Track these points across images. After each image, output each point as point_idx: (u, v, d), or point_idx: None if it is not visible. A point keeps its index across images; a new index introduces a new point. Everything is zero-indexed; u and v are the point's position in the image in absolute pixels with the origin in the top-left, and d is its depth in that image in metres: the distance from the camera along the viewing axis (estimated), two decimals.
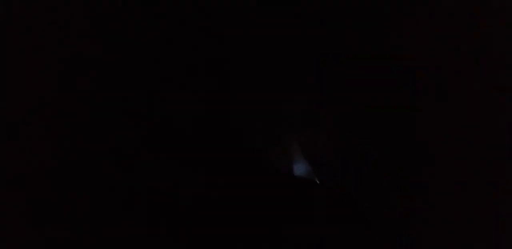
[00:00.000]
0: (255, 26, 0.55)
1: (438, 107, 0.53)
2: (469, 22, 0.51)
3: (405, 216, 0.53)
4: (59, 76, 0.52)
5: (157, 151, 0.52)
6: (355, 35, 0.54)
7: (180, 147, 0.53)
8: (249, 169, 0.54)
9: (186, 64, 0.54)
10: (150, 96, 0.53)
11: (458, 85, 0.52)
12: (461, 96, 0.52)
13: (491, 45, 0.51)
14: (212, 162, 0.53)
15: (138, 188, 0.51)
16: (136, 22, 0.53)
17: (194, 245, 0.51)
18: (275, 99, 0.58)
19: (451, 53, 0.52)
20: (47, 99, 0.51)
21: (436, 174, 0.52)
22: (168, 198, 0.51)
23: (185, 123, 0.53)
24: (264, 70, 0.56)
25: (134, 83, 0.53)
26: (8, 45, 0.51)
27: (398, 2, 0.53)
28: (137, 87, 0.53)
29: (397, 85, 0.54)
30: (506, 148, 0.50)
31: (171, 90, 0.54)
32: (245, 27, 0.55)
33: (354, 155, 0.57)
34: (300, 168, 0.58)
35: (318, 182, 0.57)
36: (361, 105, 0.56)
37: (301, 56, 0.56)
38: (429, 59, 0.53)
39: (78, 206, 0.50)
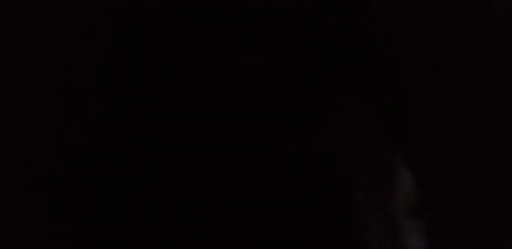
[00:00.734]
0: (255, 26, 0.55)
1: (438, 107, 0.53)
2: (469, 22, 0.52)
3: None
4: (59, 76, 0.52)
5: (158, 151, 0.52)
6: (355, 35, 0.54)
7: (180, 147, 0.53)
8: (249, 169, 0.54)
9: (186, 64, 0.54)
10: (151, 96, 0.53)
11: (458, 85, 0.52)
12: (461, 96, 0.52)
13: (491, 45, 0.51)
14: (212, 162, 0.53)
15: (138, 188, 0.51)
16: (136, 22, 0.53)
17: (194, 245, 0.51)
18: (275, 99, 0.58)
19: (451, 53, 0.52)
20: (47, 99, 0.51)
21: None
22: (168, 198, 0.51)
23: (185, 123, 0.53)
24: (264, 70, 0.56)
25: (134, 83, 0.53)
26: (8, 45, 0.51)
27: (398, 2, 0.53)
28: (137, 87, 0.53)
29: (397, 85, 0.54)
30: (506, 148, 0.50)
31: (172, 90, 0.54)
32: (245, 27, 0.55)
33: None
34: (300, 168, 0.58)
35: (316, 182, 0.57)
36: (361, 105, 0.56)
37: (301, 56, 0.56)
38: (429, 59, 0.53)
39: (78, 206, 0.50)
